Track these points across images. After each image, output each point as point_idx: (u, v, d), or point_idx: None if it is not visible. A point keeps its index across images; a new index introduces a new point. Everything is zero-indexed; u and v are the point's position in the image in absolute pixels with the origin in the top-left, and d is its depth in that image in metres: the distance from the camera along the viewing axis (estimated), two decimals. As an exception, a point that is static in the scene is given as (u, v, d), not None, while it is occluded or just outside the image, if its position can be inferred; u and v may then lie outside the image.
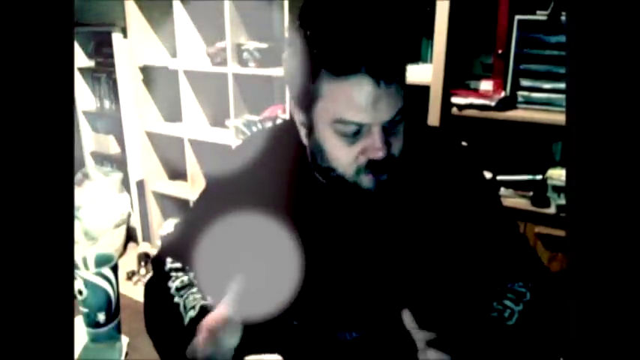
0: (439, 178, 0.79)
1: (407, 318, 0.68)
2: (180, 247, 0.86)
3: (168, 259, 0.86)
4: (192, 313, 0.75)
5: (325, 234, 0.79)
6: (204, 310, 0.74)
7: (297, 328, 0.79)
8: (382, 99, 0.63)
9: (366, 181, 0.70)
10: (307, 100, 0.69)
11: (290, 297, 0.79)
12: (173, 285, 0.81)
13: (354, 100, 0.63)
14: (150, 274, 0.89)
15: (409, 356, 0.69)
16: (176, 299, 0.78)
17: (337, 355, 0.78)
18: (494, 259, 0.79)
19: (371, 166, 0.68)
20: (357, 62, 0.62)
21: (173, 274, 0.83)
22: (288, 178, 0.81)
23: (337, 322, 0.78)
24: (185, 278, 0.82)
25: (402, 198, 0.78)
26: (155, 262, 0.88)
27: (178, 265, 0.85)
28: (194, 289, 0.80)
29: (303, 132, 0.75)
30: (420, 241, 0.77)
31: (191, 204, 2.56)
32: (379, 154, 0.66)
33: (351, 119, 0.65)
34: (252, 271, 0.74)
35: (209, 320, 0.68)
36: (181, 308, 0.77)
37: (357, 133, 0.66)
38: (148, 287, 0.86)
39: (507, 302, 0.75)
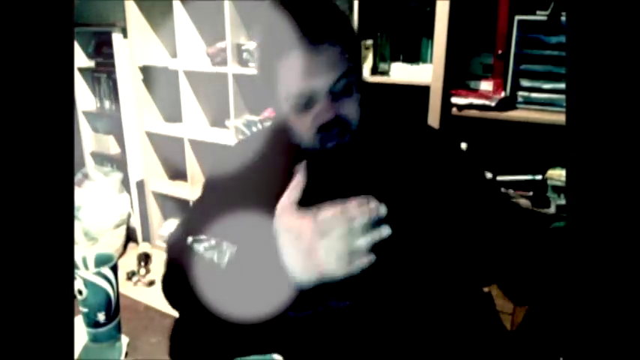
0: (429, 155, 0.83)
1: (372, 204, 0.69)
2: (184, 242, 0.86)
3: (189, 238, 0.83)
4: (230, 254, 0.74)
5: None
6: (239, 254, 0.73)
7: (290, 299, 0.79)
8: (317, 69, 0.71)
9: (329, 146, 0.75)
10: (272, 87, 0.76)
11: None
12: (200, 246, 0.79)
13: (294, 73, 0.71)
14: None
15: (399, 325, 0.69)
16: (207, 255, 0.77)
17: (328, 324, 0.79)
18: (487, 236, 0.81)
19: (324, 129, 0.74)
20: (289, 43, 0.71)
21: (196, 244, 0.81)
22: (284, 173, 0.82)
23: (328, 291, 0.79)
24: (213, 242, 0.80)
25: (391, 173, 0.80)
26: (168, 255, 0.87)
27: (203, 236, 0.83)
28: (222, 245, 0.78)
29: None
30: (409, 216, 0.78)
31: (191, 204, 2.56)
32: (326, 117, 0.73)
33: (297, 91, 0.72)
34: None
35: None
36: (215, 259, 0.75)
37: (308, 104, 0.73)
38: (170, 263, 0.85)
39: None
